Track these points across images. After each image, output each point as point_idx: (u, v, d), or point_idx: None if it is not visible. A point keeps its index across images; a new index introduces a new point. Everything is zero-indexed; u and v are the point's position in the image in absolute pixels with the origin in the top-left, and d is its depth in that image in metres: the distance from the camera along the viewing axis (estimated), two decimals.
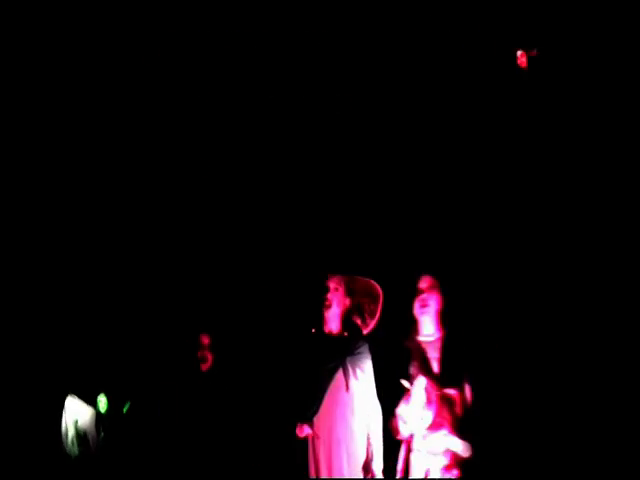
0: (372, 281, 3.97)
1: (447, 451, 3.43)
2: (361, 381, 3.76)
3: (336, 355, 3.79)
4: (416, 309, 3.62)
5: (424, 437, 3.48)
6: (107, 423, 4.99)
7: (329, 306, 3.87)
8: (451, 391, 3.49)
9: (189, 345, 5.05)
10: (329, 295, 3.87)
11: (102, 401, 5.17)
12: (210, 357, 5.01)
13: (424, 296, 3.60)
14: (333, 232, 4.86)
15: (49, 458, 5.00)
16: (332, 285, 3.89)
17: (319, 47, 4.59)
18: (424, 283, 3.63)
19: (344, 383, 3.74)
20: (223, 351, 5.05)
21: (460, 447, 3.42)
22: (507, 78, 4.18)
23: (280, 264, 5.09)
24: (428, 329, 3.63)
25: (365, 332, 3.88)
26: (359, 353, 3.78)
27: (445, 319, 3.61)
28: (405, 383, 3.50)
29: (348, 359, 3.76)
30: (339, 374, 3.76)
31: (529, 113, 4.22)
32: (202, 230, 5.41)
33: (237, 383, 4.98)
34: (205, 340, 5.06)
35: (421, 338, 3.63)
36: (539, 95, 4.22)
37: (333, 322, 3.91)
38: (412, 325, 3.66)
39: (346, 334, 3.87)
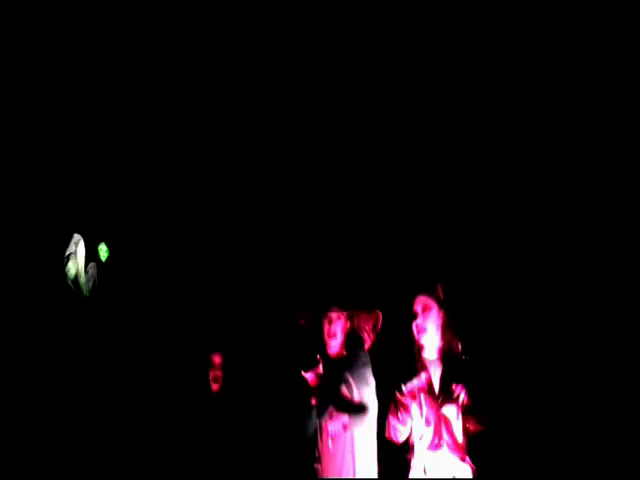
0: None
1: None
2: (364, 391, 3.90)
3: (339, 373, 3.94)
4: (414, 334, 3.54)
5: (423, 455, 3.50)
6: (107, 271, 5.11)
7: (334, 335, 4.09)
8: (451, 408, 3.49)
9: (201, 365, 5.14)
10: (333, 326, 4.09)
11: (103, 249, 5.26)
12: (222, 377, 5.08)
13: (419, 321, 3.52)
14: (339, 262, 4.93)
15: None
16: (334, 315, 4.10)
17: (321, 48, 4.57)
18: (418, 305, 3.53)
19: (349, 396, 3.90)
20: (235, 371, 5.12)
21: (462, 469, 3.42)
22: None
23: (288, 287, 5.16)
24: (431, 348, 3.56)
25: (366, 347, 4.04)
26: (358, 367, 3.94)
27: (448, 336, 3.53)
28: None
29: (348, 373, 3.89)
30: (343, 389, 3.91)
31: None
32: (217, 251, 5.49)
33: (248, 403, 5.05)
34: (217, 360, 5.14)
35: (425, 355, 3.57)
36: None
37: (335, 347, 4.11)
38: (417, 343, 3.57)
39: (345, 353, 4.06)
